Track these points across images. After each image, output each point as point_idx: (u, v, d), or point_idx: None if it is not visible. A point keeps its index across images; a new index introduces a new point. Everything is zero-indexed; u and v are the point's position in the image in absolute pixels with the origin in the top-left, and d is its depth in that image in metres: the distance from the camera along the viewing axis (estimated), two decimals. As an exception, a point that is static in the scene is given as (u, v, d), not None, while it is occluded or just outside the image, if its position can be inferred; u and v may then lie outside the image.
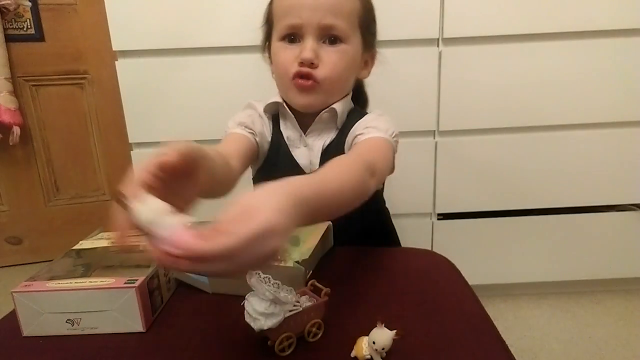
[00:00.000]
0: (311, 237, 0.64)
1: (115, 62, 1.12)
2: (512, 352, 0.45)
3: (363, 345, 0.44)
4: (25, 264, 1.62)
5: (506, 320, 1.26)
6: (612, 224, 1.26)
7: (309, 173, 0.58)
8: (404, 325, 0.50)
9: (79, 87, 1.57)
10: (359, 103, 0.78)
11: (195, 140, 1.18)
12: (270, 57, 0.73)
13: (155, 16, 1.08)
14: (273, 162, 0.73)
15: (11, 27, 1.44)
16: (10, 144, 1.46)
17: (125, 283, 0.49)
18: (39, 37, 1.47)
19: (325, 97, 0.68)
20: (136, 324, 0.50)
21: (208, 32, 1.09)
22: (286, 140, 0.72)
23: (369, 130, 0.65)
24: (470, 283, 0.61)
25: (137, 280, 0.50)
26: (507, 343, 0.47)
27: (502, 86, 1.14)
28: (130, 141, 1.18)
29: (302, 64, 0.64)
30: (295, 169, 0.70)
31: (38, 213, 1.62)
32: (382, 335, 0.42)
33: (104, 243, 0.64)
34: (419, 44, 1.11)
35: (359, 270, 0.64)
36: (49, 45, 1.49)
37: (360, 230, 0.74)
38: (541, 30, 1.10)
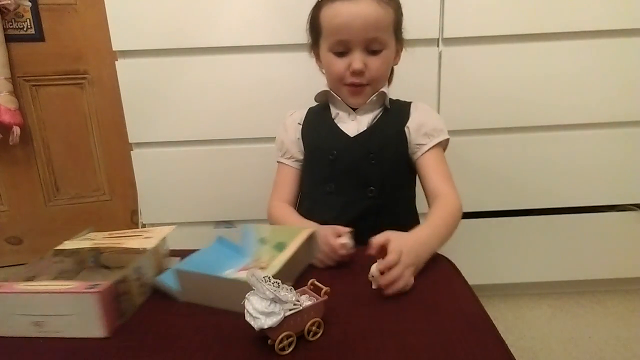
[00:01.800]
0: (292, 244, 0.62)
1: (115, 62, 1.11)
2: (512, 352, 0.45)
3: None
4: (25, 264, 1.62)
5: (506, 320, 1.26)
6: (612, 224, 1.26)
7: (353, 137, 0.81)
8: (404, 325, 0.50)
9: (79, 87, 1.57)
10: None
11: (196, 140, 1.20)
12: (318, 58, 0.87)
13: (155, 16, 1.08)
14: (316, 134, 0.86)
15: (11, 27, 1.44)
16: (10, 144, 1.46)
17: (87, 288, 0.48)
18: (39, 37, 1.47)
19: (372, 92, 0.81)
20: (97, 330, 0.49)
21: (208, 32, 1.09)
22: (334, 116, 0.85)
23: (431, 139, 0.81)
24: (470, 283, 0.61)
25: (99, 285, 0.49)
26: (507, 343, 0.47)
27: (502, 86, 1.14)
28: (130, 141, 1.18)
29: (353, 73, 0.77)
30: (342, 137, 0.82)
31: (38, 213, 1.62)
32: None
33: (87, 244, 0.64)
34: (419, 44, 1.11)
35: (359, 270, 0.64)
36: (49, 45, 1.49)
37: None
38: (541, 30, 1.10)
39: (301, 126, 0.88)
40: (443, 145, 0.83)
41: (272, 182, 0.91)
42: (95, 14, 1.44)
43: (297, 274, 0.63)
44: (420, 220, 0.88)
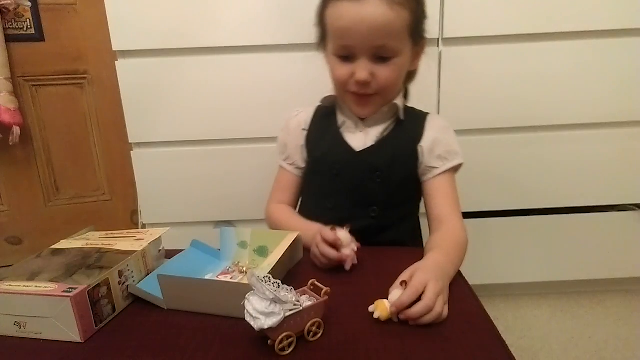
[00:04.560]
0: (278, 249, 0.62)
1: (115, 62, 1.11)
2: (512, 352, 0.45)
3: (387, 306, 0.50)
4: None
5: (506, 320, 1.26)
6: (612, 224, 1.26)
7: (359, 152, 0.74)
8: (404, 325, 0.50)
9: (79, 87, 1.57)
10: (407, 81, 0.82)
11: (196, 140, 1.20)
12: (325, 56, 0.76)
13: (155, 16, 1.08)
14: (320, 144, 0.79)
15: (11, 27, 1.44)
16: (10, 144, 1.46)
17: (64, 291, 0.48)
18: (39, 37, 1.47)
19: (380, 103, 0.74)
20: (74, 334, 0.48)
21: (208, 32, 1.09)
22: (340, 125, 0.78)
23: (445, 162, 0.75)
24: (470, 283, 0.61)
25: (75, 289, 0.48)
26: (507, 343, 0.47)
27: (502, 86, 1.14)
28: (130, 141, 1.18)
29: (357, 84, 0.69)
30: (346, 151, 0.75)
31: (38, 213, 1.62)
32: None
33: (82, 243, 0.63)
34: (419, 44, 1.11)
35: (359, 270, 0.64)
36: (49, 45, 1.49)
37: (393, 238, 0.77)
38: (541, 30, 1.10)
39: (306, 132, 0.81)
40: (456, 169, 0.77)
41: (272, 182, 0.91)
42: (95, 14, 1.43)
43: (280, 278, 0.62)
44: (423, 238, 0.85)
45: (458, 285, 0.60)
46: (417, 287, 0.50)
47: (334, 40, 0.70)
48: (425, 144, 0.74)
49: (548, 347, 1.14)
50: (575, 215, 1.25)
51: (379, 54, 0.67)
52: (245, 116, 1.15)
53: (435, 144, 0.74)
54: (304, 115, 0.82)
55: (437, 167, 0.74)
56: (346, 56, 0.69)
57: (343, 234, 0.63)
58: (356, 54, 0.68)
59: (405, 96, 0.82)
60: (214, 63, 1.12)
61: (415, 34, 0.71)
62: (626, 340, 1.15)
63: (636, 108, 1.16)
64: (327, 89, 0.81)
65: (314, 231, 0.66)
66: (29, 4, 1.42)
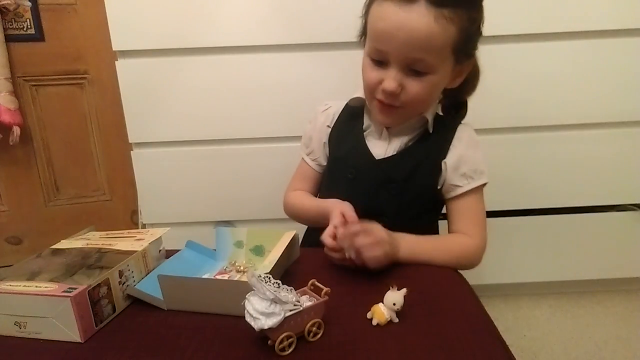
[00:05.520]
0: (276, 248, 0.62)
1: (115, 62, 1.11)
2: (512, 352, 0.45)
3: (384, 311, 0.50)
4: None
5: (506, 320, 1.26)
6: (612, 224, 1.26)
7: (378, 160, 0.72)
8: (404, 325, 0.50)
9: (79, 87, 1.57)
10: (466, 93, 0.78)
11: (196, 140, 1.21)
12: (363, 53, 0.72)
13: (155, 16, 1.08)
14: (341, 145, 0.77)
15: (11, 27, 1.44)
16: (10, 144, 1.46)
17: (64, 292, 0.48)
18: (39, 37, 1.47)
19: (405, 117, 0.70)
20: (74, 334, 0.49)
21: (208, 32, 1.09)
22: (365, 128, 0.75)
23: (469, 181, 0.71)
24: (470, 283, 0.61)
25: (75, 289, 0.48)
26: (507, 343, 0.47)
27: (502, 86, 1.14)
28: (130, 141, 1.18)
29: (384, 92, 0.65)
30: (366, 156, 0.73)
31: (38, 213, 1.62)
32: (398, 296, 0.50)
33: (83, 243, 0.63)
34: (419, 44, 1.11)
35: (359, 270, 0.64)
36: (49, 45, 1.49)
37: None
38: (541, 30, 1.10)
39: (330, 129, 0.79)
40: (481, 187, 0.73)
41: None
42: (95, 14, 1.43)
43: (278, 278, 0.62)
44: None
45: (458, 285, 0.60)
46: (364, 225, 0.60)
47: (371, 41, 0.66)
48: (449, 160, 0.70)
49: (548, 347, 1.14)
50: (575, 215, 1.25)
51: (413, 67, 0.63)
52: (245, 116, 1.15)
53: (461, 162, 0.70)
54: (332, 111, 0.80)
55: (460, 186, 0.71)
56: (380, 61, 0.65)
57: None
58: (390, 60, 0.63)
59: (463, 110, 0.79)
60: (214, 63, 1.12)
61: (460, 53, 0.65)
62: (626, 340, 1.15)
63: (636, 108, 1.16)
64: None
65: (330, 203, 0.69)
66: (29, 4, 1.41)
